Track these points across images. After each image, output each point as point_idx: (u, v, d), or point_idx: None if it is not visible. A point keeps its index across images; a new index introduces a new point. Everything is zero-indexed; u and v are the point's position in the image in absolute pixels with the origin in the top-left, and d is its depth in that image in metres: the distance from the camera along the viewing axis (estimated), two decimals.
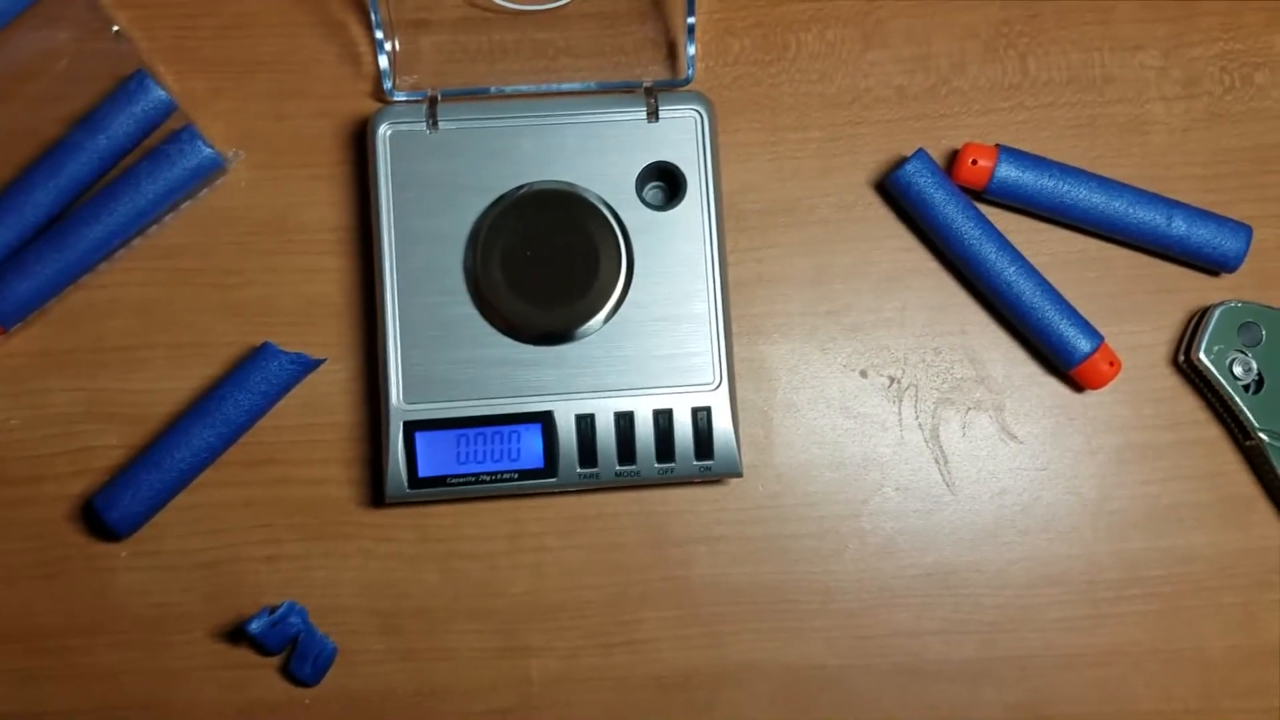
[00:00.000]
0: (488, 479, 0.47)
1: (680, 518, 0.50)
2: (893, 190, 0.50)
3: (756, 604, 0.50)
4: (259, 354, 0.48)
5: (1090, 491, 0.51)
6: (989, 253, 0.49)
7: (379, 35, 0.48)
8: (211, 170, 0.50)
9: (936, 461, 0.51)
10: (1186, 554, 0.50)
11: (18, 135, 0.50)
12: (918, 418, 0.51)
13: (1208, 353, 0.49)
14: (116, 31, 0.51)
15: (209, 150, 0.49)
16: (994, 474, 0.51)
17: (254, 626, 0.46)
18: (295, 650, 0.47)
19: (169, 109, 0.49)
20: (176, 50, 0.52)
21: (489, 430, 0.47)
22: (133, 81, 0.49)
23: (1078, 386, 0.51)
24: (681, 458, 0.47)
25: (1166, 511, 0.51)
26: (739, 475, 0.48)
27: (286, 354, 0.48)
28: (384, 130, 0.48)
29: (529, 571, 0.50)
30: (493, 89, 0.51)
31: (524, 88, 0.51)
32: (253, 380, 0.48)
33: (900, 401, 0.51)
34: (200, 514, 0.49)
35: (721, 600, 0.50)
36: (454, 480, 0.47)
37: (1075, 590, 0.50)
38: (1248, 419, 0.49)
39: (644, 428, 0.47)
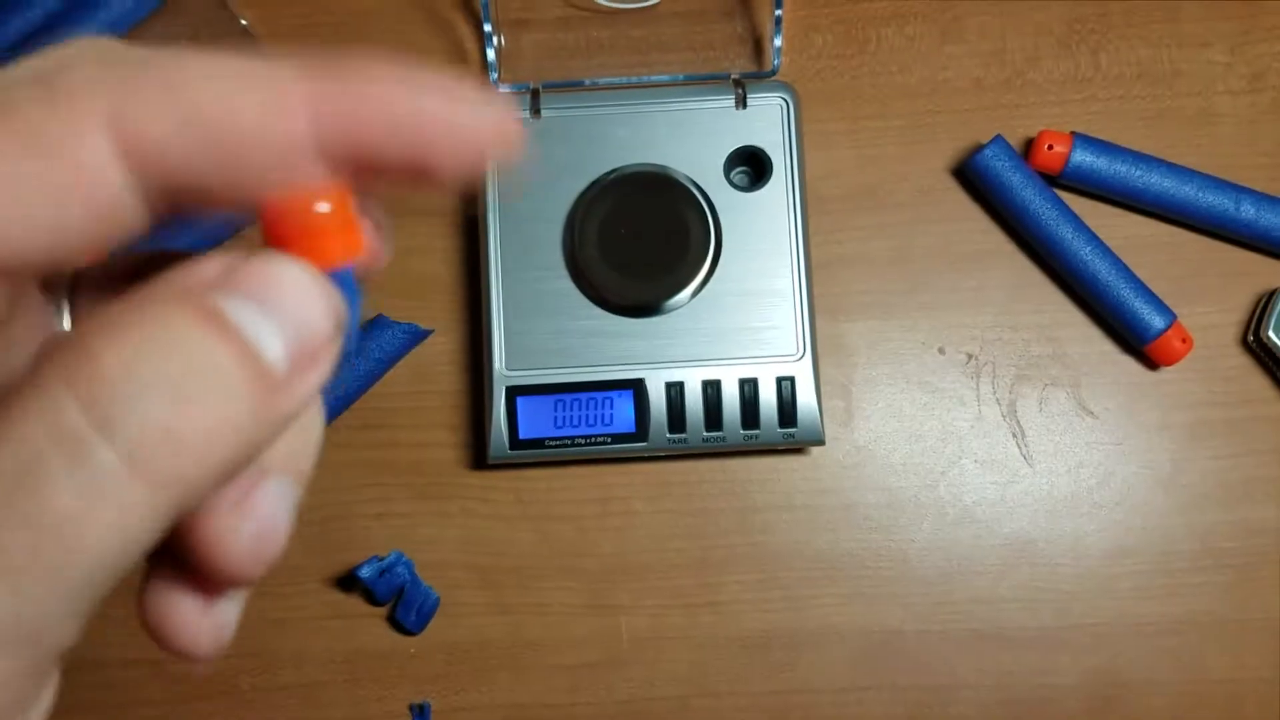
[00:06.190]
0: (583, 442, 0.50)
1: (763, 486, 0.53)
2: (972, 174, 0.52)
3: (835, 570, 0.52)
4: (373, 325, 0.52)
5: (1164, 466, 0.52)
6: (1066, 233, 0.51)
7: (488, 28, 0.52)
8: None
9: (1014, 435, 0.52)
10: (1257, 526, 0.52)
11: None
12: (995, 393, 0.53)
13: (1277, 331, 0.51)
14: (244, 26, 0.55)
15: None
16: (1070, 448, 0.52)
17: (364, 572, 0.49)
18: (401, 599, 0.50)
19: None
20: (297, 45, 0.56)
21: (584, 396, 0.50)
22: None
23: (1151, 364, 0.53)
24: (766, 425, 0.50)
25: (1237, 485, 0.52)
26: (821, 443, 0.50)
27: (398, 325, 0.51)
28: None
29: (617, 534, 0.52)
30: (588, 81, 0.54)
31: (619, 80, 0.54)
32: (367, 348, 0.51)
33: (978, 378, 0.53)
34: (316, 473, 0.51)
35: (801, 566, 0.52)
36: (551, 442, 0.50)
37: (1149, 561, 0.52)
38: None
39: (730, 396, 0.50)
